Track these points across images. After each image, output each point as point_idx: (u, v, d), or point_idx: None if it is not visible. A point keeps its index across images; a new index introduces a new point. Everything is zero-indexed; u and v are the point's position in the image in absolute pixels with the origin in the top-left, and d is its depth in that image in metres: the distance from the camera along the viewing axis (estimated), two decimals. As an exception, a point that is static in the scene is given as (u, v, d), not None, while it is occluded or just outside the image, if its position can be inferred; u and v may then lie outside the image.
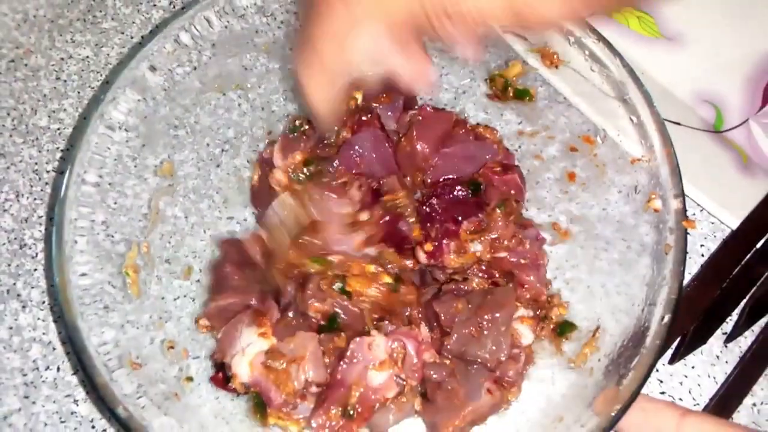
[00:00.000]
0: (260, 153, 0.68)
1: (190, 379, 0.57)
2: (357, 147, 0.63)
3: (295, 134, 0.65)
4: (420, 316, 0.58)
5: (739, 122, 0.74)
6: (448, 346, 0.55)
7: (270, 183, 0.64)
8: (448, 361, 0.55)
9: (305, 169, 0.63)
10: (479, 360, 0.54)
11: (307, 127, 0.65)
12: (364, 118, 0.65)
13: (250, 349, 0.55)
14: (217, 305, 0.59)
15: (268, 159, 0.66)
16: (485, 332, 0.54)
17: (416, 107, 0.68)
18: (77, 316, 0.51)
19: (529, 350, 0.57)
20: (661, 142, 0.55)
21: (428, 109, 0.66)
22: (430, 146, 0.64)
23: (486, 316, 0.54)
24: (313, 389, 0.55)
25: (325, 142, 0.65)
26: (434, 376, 0.54)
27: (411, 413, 0.56)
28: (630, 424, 0.49)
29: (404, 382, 0.55)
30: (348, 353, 0.54)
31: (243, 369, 0.54)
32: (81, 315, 0.51)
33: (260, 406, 0.55)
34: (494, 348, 0.54)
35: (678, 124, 0.72)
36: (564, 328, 0.58)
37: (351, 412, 0.53)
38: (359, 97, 0.66)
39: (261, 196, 0.66)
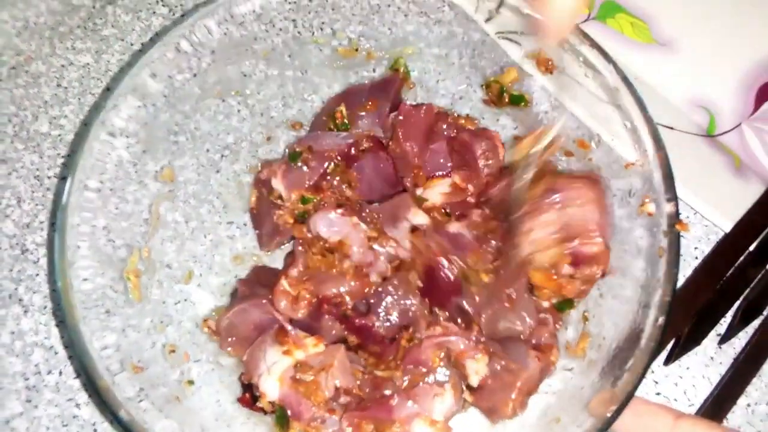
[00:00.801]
0: (257, 174, 0.67)
1: (191, 382, 0.57)
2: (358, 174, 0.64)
3: (298, 163, 0.64)
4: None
5: (731, 126, 0.75)
6: (482, 330, 0.55)
7: (272, 214, 0.64)
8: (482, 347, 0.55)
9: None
10: (517, 332, 0.55)
11: (309, 155, 0.64)
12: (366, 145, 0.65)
13: (275, 368, 0.55)
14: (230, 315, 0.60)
15: (266, 181, 0.65)
16: (510, 305, 0.55)
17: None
18: (79, 320, 0.51)
19: (553, 311, 0.58)
20: (654, 147, 0.55)
21: (407, 105, 0.66)
22: (417, 143, 0.65)
23: (507, 291, 0.55)
24: (342, 400, 0.55)
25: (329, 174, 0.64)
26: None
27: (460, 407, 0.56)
28: (625, 426, 0.50)
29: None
30: (413, 391, 0.54)
31: (271, 387, 0.55)
32: (83, 319, 0.52)
33: (283, 419, 0.55)
34: (525, 315, 0.55)
35: (671, 128, 0.73)
36: (563, 305, 0.59)
37: None
38: (343, 109, 0.67)
39: (261, 218, 0.67)
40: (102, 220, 0.57)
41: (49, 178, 0.73)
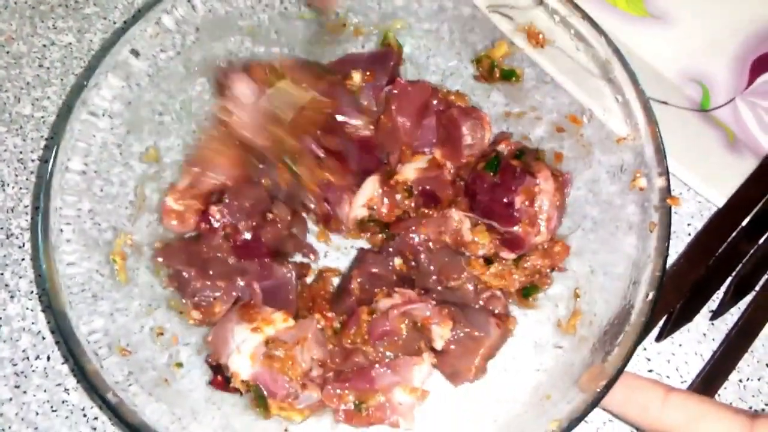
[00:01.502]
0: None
1: (180, 365, 0.57)
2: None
3: None
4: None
5: (725, 101, 0.74)
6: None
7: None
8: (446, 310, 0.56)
9: None
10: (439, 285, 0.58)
11: None
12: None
13: (245, 346, 0.55)
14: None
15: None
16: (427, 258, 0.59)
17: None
18: (66, 305, 0.51)
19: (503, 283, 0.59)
20: (645, 121, 0.55)
21: (402, 81, 0.65)
22: (410, 119, 0.64)
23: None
24: (314, 373, 0.55)
25: None
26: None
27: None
28: (616, 401, 0.50)
29: None
30: (394, 361, 0.55)
31: (243, 366, 0.54)
32: (69, 304, 0.51)
33: (261, 399, 0.55)
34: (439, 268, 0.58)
35: (665, 103, 0.72)
36: (529, 290, 0.60)
37: (363, 409, 0.54)
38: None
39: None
40: (87, 203, 0.57)
41: (32, 161, 0.71)
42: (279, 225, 0.61)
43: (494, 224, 0.60)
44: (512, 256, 0.59)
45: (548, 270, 0.60)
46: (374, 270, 0.59)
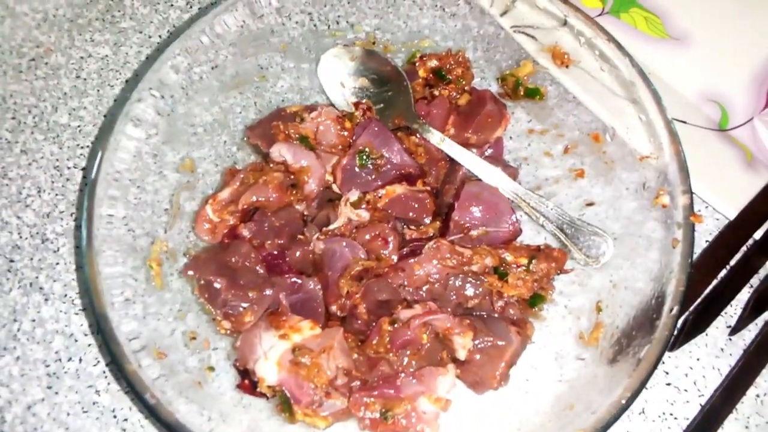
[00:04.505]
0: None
1: (211, 368, 0.59)
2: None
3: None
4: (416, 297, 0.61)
5: (744, 121, 0.76)
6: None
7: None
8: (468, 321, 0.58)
9: None
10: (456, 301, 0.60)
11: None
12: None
13: (272, 352, 0.56)
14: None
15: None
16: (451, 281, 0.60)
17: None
18: (107, 307, 0.52)
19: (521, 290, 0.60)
20: (669, 140, 0.56)
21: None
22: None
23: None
24: (339, 382, 0.56)
25: None
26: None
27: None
28: None
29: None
30: (419, 372, 0.56)
31: (269, 372, 0.56)
32: (112, 305, 0.53)
33: (287, 404, 0.56)
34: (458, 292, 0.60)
35: (684, 122, 0.73)
36: (535, 300, 0.61)
37: (389, 417, 0.55)
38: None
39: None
40: (122, 210, 0.59)
41: (68, 168, 0.74)
42: (307, 246, 0.62)
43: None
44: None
45: (556, 273, 0.62)
46: (380, 298, 0.59)
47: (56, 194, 0.72)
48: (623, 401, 0.48)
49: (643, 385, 0.49)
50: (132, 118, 0.59)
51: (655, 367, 0.49)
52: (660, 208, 0.57)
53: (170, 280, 0.61)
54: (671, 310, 0.50)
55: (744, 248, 0.67)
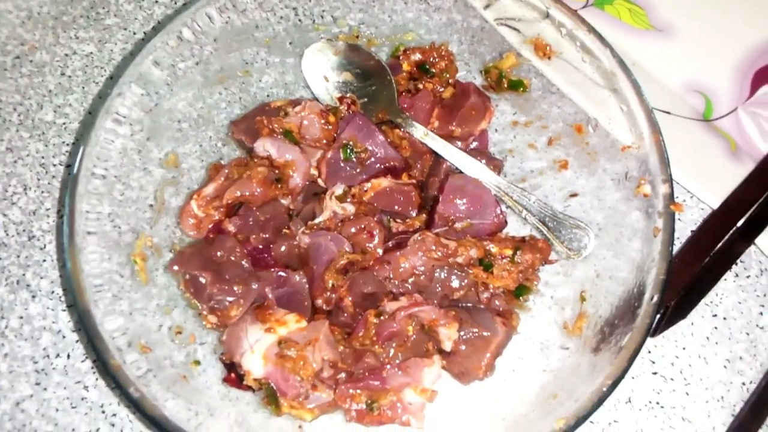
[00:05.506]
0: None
1: (197, 362, 0.59)
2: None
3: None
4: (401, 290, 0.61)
5: (728, 111, 0.76)
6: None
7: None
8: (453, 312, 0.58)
9: None
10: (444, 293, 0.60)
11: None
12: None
13: (258, 345, 0.57)
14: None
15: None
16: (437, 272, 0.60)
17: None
18: (90, 303, 0.53)
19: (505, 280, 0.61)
20: (649, 130, 0.56)
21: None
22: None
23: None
24: (324, 374, 0.57)
25: None
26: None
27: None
28: None
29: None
30: (405, 363, 0.57)
31: (255, 365, 0.56)
32: (94, 302, 0.53)
33: (273, 397, 0.56)
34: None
35: (668, 113, 0.74)
36: (520, 291, 0.62)
37: (374, 408, 0.56)
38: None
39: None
40: (107, 207, 0.59)
41: (54, 165, 0.74)
42: (292, 240, 0.62)
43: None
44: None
45: (541, 264, 0.62)
46: (366, 290, 0.60)
47: (42, 191, 0.72)
48: (604, 389, 0.49)
49: (624, 372, 0.50)
50: (114, 114, 0.59)
51: (636, 354, 0.49)
52: (642, 197, 0.57)
53: (156, 276, 0.61)
54: (652, 299, 0.51)
55: (727, 236, 0.67)
